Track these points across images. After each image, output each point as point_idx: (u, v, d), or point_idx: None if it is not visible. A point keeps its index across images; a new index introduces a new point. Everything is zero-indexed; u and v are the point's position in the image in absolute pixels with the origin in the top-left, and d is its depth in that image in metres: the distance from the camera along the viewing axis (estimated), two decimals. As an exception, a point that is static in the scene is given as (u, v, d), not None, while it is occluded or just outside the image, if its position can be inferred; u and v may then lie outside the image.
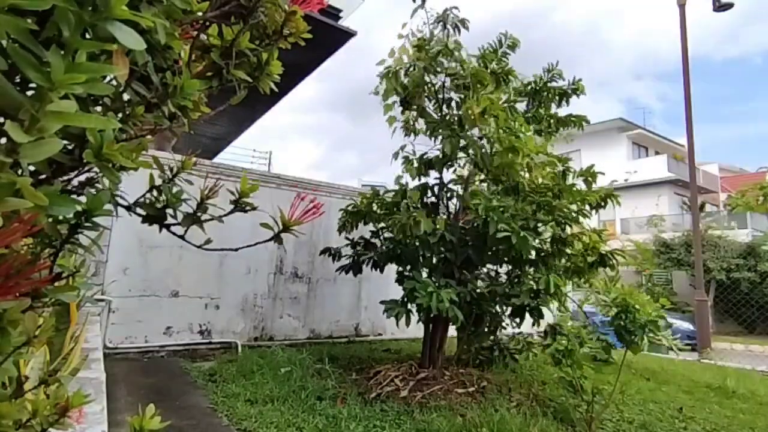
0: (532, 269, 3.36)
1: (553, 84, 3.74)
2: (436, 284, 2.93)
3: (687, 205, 19.49)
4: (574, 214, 3.22)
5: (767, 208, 18.16)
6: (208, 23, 0.83)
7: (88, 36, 0.50)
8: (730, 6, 8.14)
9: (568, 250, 3.28)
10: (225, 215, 0.89)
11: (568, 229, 3.27)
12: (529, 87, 3.80)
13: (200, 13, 0.78)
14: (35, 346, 0.68)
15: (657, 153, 23.57)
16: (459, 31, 3.47)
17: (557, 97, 3.75)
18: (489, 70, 3.26)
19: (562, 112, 3.85)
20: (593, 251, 3.26)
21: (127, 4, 0.49)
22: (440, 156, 3.37)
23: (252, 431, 2.41)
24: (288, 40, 0.92)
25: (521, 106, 3.89)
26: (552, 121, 3.83)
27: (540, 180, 3.19)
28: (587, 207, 3.32)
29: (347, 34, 5.68)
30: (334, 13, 5.70)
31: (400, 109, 3.63)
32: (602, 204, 3.38)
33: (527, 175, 3.19)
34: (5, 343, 0.54)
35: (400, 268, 3.49)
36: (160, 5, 0.63)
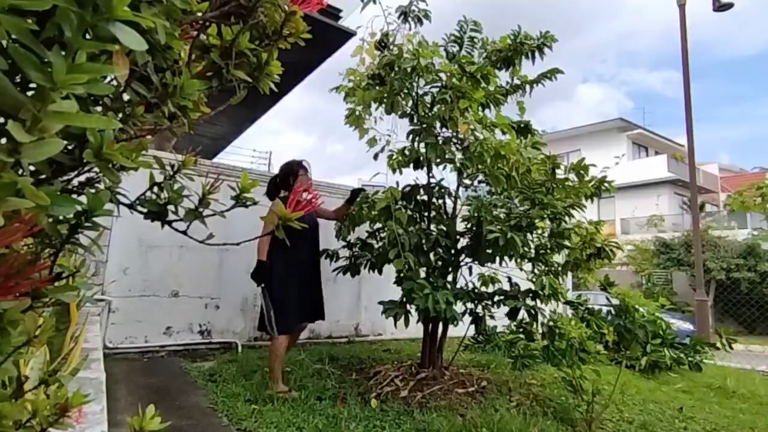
0: (530, 265, 3.36)
1: (525, 44, 3.61)
2: (434, 284, 2.93)
3: (687, 205, 19.51)
4: (567, 209, 3.16)
5: (765, 208, 18.13)
6: (207, 23, 0.83)
7: (88, 36, 0.51)
8: (730, 6, 8.15)
9: (567, 243, 3.26)
10: (227, 210, 0.90)
11: (564, 224, 3.24)
12: (502, 53, 3.66)
13: (200, 13, 0.78)
14: (35, 346, 0.68)
15: (657, 153, 23.59)
16: (421, 23, 3.40)
17: (531, 53, 3.59)
18: (467, 73, 3.14)
19: (536, 68, 3.72)
20: (590, 243, 3.25)
21: (128, 4, 0.49)
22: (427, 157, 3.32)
23: (252, 431, 2.41)
24: (288, 40, 0.92)
25: (502, 76, 3.74)
26: (527, 84, 3.73)
27: (533, 175, 3.13)
28: (582, 199, 3.27)
29: (347, 34, 5.68)
30: (334, 13, 5.70)
31: (374, 115, 3.47)
32: (597, 192, 3.33)
33: (517, 174, 3.11)
34: (5, 343, 0.54)
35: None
36: (160, 5, 0.63)
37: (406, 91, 3.22)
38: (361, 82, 3.31)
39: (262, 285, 3.05)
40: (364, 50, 3.26)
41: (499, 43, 3.65)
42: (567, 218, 3.21)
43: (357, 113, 3.45)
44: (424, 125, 3.20)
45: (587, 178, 3.28)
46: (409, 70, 2.94)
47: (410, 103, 3.34)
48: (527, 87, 3.74)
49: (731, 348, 3.15)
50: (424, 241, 3.01)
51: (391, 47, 3.21)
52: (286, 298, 3.06)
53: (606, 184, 3.31)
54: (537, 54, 3.58)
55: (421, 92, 3.34)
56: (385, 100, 3.24)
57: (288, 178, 3.26)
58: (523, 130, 3.73)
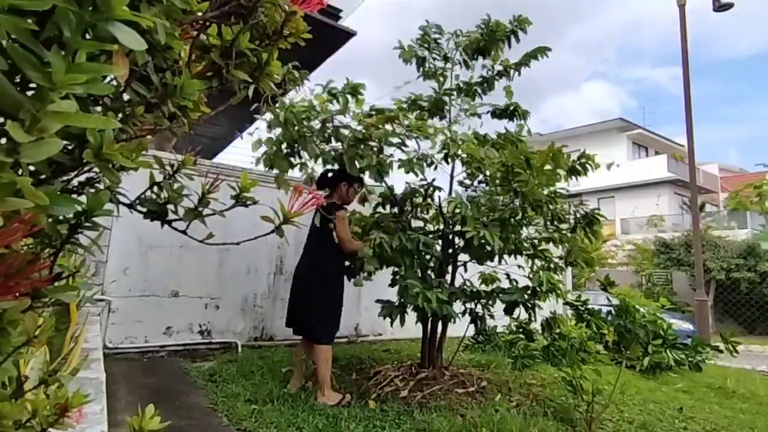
0: (529, 261, 3.35)
1: (497, 33, 3.51)
2: (428, 284, 2.92)
3: (687, 205, 19.52)
4: (550, 196, 3.09)
5: (762, 208, 18.12)
6: (207, 23, 0.83)
7: (87, 36, 0.51)
8: (730, 6, 8.15)
9: (562, 227, 3.23)
10: (227, 209, 0.90)
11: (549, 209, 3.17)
12: (474, 45, 3.59)
13: (200, 13, 0.78)
14: (35, 346, 0.68)
15: (657, 153, 23.59)
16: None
17: (506, 39, 3.52)
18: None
19: (513, 53, 3.61)
20: (577, 216, 3.23)
21: (127, 4, 0.49)
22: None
23: (252, 431, 2.41)
24: (288, 40, 0.92)
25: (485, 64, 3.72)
26: (510, 69, 3.63)
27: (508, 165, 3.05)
28: (562, 179, 3.12)
29: (347, 34, 5.68)
30: (334, 13, 5.70)
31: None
32: (579, 170, 3.18)
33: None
34: (5, 343, 0.54)
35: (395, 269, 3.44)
36: (160, 5, 0.63)
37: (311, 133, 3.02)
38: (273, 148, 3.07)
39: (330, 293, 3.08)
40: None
41: (471, 36, 3.58)
42: (550, 206, 3.13)
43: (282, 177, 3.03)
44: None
45: (566, 158, 3.15)
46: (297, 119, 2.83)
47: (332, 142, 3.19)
48: (511, 71, 3.65)
49: (737, 352, 3.12)
50: (408, 244, 2.99)
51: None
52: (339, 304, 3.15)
53: (588, 161, 3.16)
54: (513, 39, 3.50)
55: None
56: (299, 147, 3.03)
57: (340, 180, 3.19)
58: (511, 113, 3.67)
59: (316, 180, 3.24)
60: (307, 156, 3.06)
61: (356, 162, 2.99)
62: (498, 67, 3.70)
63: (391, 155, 3.22)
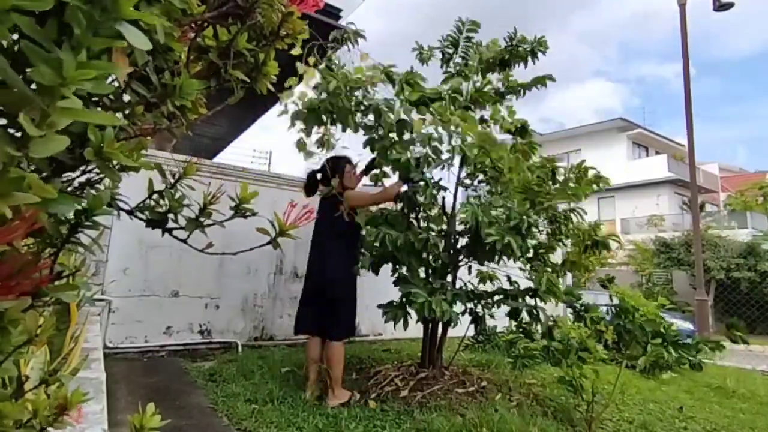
0: (529, 265, 3.36)
1: (520, 48, 3.64)
2: (431, 286, 2.92)
3: (687, 205, 19.51)
4: (567, 212, 3.16)
5: (766, 208, 18.14)
6: (205, 24, 0.83)
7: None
8: (730, 6, 8.15)
9: (564, 241, 3.27)
10: (226, 220, 0.90)
11: (564, 227, 3.24)
12: (498, 58, 3.67)
13: (198, 14, 0.78)
14: (36, 345, 0.68)
15: (657, 153, 23.57)
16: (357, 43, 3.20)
17: (529, 55, 3.63)
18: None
19: (528, 72, 3.70)
20: (589, 237, 3.25)
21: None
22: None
23: (252, 431, 2.41)
24: (285, 40, 0.92)
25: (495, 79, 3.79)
26: (520, 88, 3.72)
27: (530, 176, 3.11)
28: (582, 199, 3.24)
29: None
30: (335, 12, 5.71)
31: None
32: (593, 188, 3.29)
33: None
34: (6, 342, 0.54)
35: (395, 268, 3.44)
36: (159, 5, 0.63)
37: (355, 106, 3.03)
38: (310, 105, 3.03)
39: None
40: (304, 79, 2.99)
41: (492, 49, 3.65)
42: (566, 221, 3.20)
43: (303, 140, 3.07)
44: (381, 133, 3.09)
45: (588, 177, 3.25)
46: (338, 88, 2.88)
47: (370, 116, 3.12)
48: (521, 90, 3.72)
49: (747, 342, 3.15)
50: (415, 242, 2.99)
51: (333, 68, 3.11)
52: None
53: (601, 183, 3.26)
54: (530, 59, 3.61)
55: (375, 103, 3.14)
56: (337, 120, 3.02)
57: (334, 174, 3.16)
58: (520, 131, 3.71)
59: (323, 170, 3.22)
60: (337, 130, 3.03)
61: (389, 152, 2.96)
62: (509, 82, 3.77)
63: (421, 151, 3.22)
